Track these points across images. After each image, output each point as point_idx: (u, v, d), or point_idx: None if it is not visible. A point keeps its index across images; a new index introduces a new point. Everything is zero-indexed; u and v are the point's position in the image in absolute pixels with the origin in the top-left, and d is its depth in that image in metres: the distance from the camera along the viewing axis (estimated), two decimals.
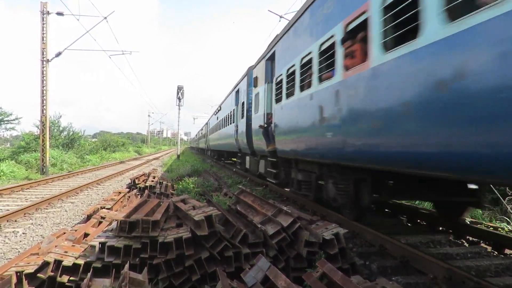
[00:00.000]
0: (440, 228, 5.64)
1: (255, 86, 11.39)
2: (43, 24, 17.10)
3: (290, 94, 7.38)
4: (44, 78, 17.21)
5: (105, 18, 17.21)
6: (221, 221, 4.19)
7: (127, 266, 3.09)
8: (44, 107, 17.43)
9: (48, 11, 17.21)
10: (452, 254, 4.44)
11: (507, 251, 4.58)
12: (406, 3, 3.56)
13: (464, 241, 5.09)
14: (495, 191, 7.04)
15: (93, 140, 41.34)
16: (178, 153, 31.59)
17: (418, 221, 6.19)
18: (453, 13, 2.97)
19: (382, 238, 4.61)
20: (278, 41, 8.67)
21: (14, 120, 26.79)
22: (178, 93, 28.99)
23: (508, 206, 6.71)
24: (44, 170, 17.09)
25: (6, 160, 18.77)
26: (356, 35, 4.74)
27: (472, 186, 5.18)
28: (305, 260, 3.85)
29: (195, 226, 3.83)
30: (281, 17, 15.95)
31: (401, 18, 3.63)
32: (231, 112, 16.79)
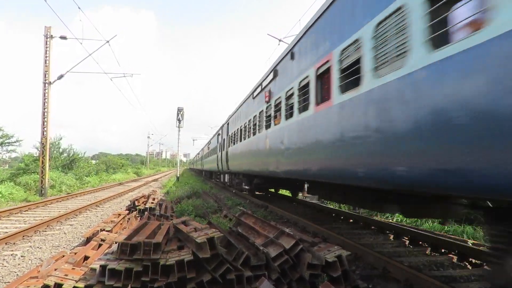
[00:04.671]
0: (443, 250, 5.60)
1: None
2: (46, 47, 17.41)
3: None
4: (46, 100, 17.38)
5: (108, 41, 17.58)
6: (223, 243, 4.17)
7: None
8: (45, 128, 17.50)
9: (52, 35, 17.56)
10: (456, 276, 4.40)
11: None
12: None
13: (467, 264, 5.04)
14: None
15: (94, 162, 41.26)
16: (178, 175, 31.48)
17: (420, 242, 6.14)
18: None
19: (385, 261, 4.58)
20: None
21: (15, 142, 26.88)
22: (178, 115, 29.20)
23: None
24: (43, 192, 16.99)
25: (5, 182, 18.69)
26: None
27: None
28: (308, 283, 3.81)
29: (197, 248, 3.80)
30: (280, 40, 16.34)
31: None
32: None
